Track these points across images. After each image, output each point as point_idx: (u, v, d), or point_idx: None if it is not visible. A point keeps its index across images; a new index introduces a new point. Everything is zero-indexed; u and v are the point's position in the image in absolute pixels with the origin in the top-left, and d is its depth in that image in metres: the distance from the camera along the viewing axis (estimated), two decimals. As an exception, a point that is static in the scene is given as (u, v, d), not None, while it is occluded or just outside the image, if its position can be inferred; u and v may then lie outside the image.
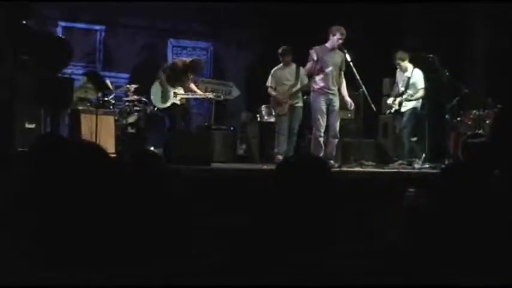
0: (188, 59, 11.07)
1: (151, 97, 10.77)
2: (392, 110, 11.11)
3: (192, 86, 11.03)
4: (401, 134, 11.04)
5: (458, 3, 13.06)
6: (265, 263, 2.31)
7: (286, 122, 10.69)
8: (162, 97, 10.60)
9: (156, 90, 10.62)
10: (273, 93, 10.88)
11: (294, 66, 10.85)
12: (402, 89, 10.97)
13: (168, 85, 10.56)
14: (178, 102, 10.60)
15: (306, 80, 10.65)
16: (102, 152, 2.63)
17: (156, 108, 11.22)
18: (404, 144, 10.98)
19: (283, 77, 10.85)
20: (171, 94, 10.45)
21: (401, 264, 2.39)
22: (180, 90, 10.59)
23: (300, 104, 10.85)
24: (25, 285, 2.17)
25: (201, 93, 11.23)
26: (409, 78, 10.94)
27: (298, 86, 10.74)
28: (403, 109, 10.96)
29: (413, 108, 10.98)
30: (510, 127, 2.48)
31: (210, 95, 11.36)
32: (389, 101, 11.15)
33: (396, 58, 11.04)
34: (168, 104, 10.56)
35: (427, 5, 13.28)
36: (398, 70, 11.17)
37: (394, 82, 11.59)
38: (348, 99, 10.31)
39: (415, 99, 10.95)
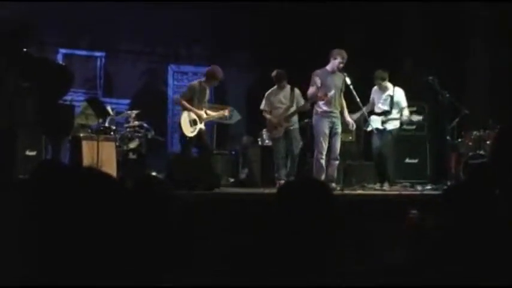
0: (202, 79, 10.88)
1: (182, 128, 10.48)
2: (369, 128, 10.90)
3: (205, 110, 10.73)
4: (382, 154, 10.84)
5: (458, 23, 13.14)
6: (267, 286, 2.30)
7: (282, 146, 10.62)
8: (190, 125, 10.41)
9: (184, 119, 10.43)
10: (268, 116, 10.83)
11: (288, 88, 10.77)
12: (386, 107, 10.84)
13: (192, 110, 10.38)
14: (203, 127, 10.46)
15: (301, 102, 10.62)
16: (105, 177, 2.62)
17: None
18: (386, 166, 10.88)
19: (277, 100, 10.77)
20: (197, 119, 10.33)
21: (403, 285, 2.38)
22: (203, 115, 10.46)
23: (296, 126, 10.77)
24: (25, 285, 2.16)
25: (215, 114, 11.00)
26: (391, 96, 10.86)
27: (294, 108, 10.65)
28: (389, 127, 10.82)
29: (398, 128, 10.96)
30: (510, 147, 2.49)
31: (225, 113, 11.07)
32: (374, 119, 10.90)
33: (377, 78, 10.91)
34: (197, 131, 10.41)
35: (426, 25, 13.34)
36: (375, 88, 11.00)
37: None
38: (349, 119, 10.35)
39: (407, 118, 10.92)
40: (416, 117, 10.93)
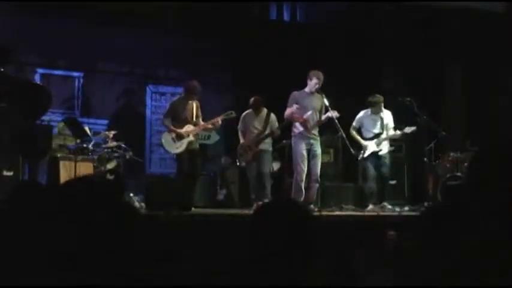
0: (182, 95, 10.63)
1: (165, 146, 10.34)
2: (366, 154, 10.95)
3: (200, 121, 10.52)
4: (382, 175, 10.87)
5: (435, 46, 13.29)
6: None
7: (254, 169, 10.61)
8: (174, 142, 10.24)
9: (166, 137, 10.29)
10: (241, 139, 10.80)
11: (264, 113, 10.75)
12: (378, 130, 10.88)
13: (177, 127, 10.20)
14: (193, 139, 10.23)
15: (275, 126, 10.59)
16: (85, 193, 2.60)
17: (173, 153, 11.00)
18: (386, 186, 10.95)
19: (251, 124, 10.76)
20: (183, 134, 10.22)
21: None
22: (189, 128, 10.28)
23: (267, 147, 10.74)
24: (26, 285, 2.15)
25: (210, 125, 10.64)
26: (382, 119, 10.89)
27: (266, 133, 10.69)
28: (385, 149, 10.85)
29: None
30: (486, 168, 2.51)
31: (220, 118, 10.50)
32: (369, 143, 10.92)
33: (379, 102, 10.86)
34: (183, 147, 10.22)
35: (404, 47, 13.45)
36: (366, 113, 11.03)
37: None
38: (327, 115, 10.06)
39: (400, 133, 10.93)
40: (409, 129, 10.88)
